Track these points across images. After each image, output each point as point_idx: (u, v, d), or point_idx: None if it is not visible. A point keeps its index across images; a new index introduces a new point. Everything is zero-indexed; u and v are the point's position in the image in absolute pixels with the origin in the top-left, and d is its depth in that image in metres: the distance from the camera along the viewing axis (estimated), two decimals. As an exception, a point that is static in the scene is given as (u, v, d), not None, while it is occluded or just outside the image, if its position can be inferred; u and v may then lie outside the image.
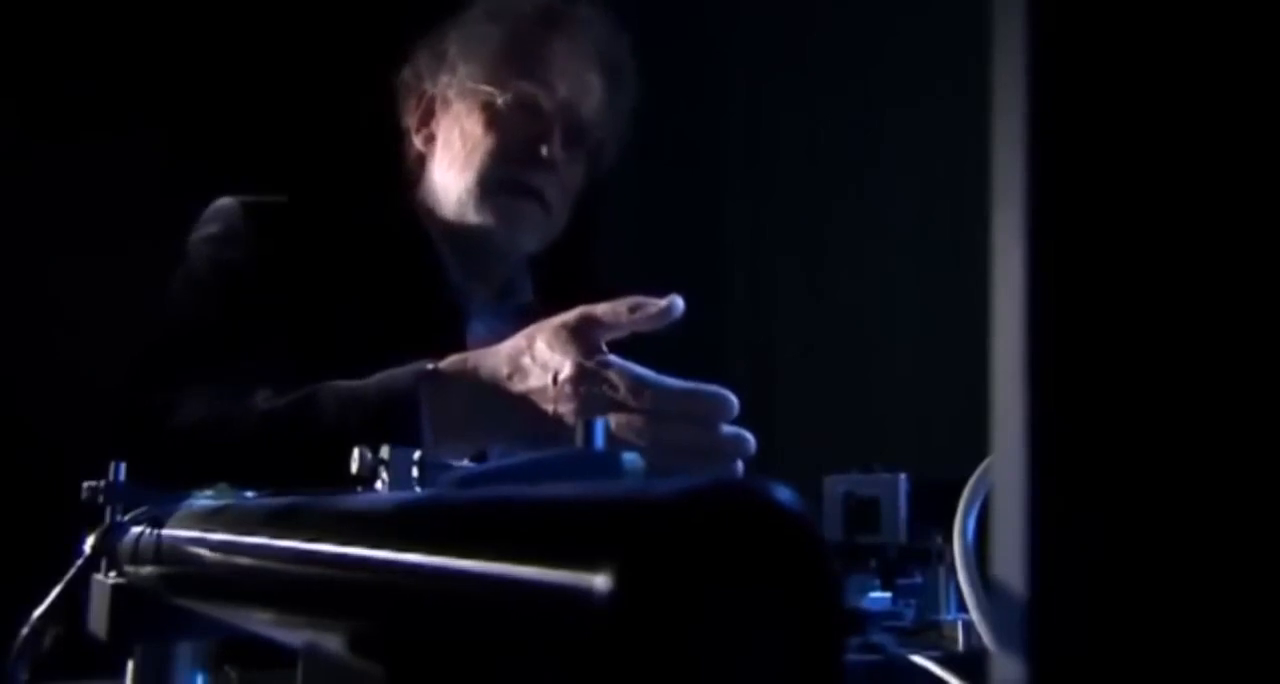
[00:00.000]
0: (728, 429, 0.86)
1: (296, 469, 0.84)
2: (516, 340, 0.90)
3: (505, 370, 0.89)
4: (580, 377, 0.85)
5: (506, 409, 0.88)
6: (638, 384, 0.85)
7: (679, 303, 0.88)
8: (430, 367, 0.91)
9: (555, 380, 0.86)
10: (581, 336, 0.87)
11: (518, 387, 0.88)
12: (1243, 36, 0.24)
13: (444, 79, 1.20)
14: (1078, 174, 0.24)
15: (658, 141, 1.28)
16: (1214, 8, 0.24)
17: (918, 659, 0.57)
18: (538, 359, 0.88)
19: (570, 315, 0.88)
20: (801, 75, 1.85)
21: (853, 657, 0.60)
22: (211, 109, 1.64)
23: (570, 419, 0.85)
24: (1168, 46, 0.24)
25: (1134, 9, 0.24)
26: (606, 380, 0.85)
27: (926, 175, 1.62)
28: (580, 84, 1.17)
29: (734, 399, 0.86)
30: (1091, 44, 0.24)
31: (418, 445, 0.84)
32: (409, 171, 1.24)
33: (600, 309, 0.88)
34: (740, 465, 0.88)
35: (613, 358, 0.87)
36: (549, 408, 0.86)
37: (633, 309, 0.88)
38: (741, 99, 1.95)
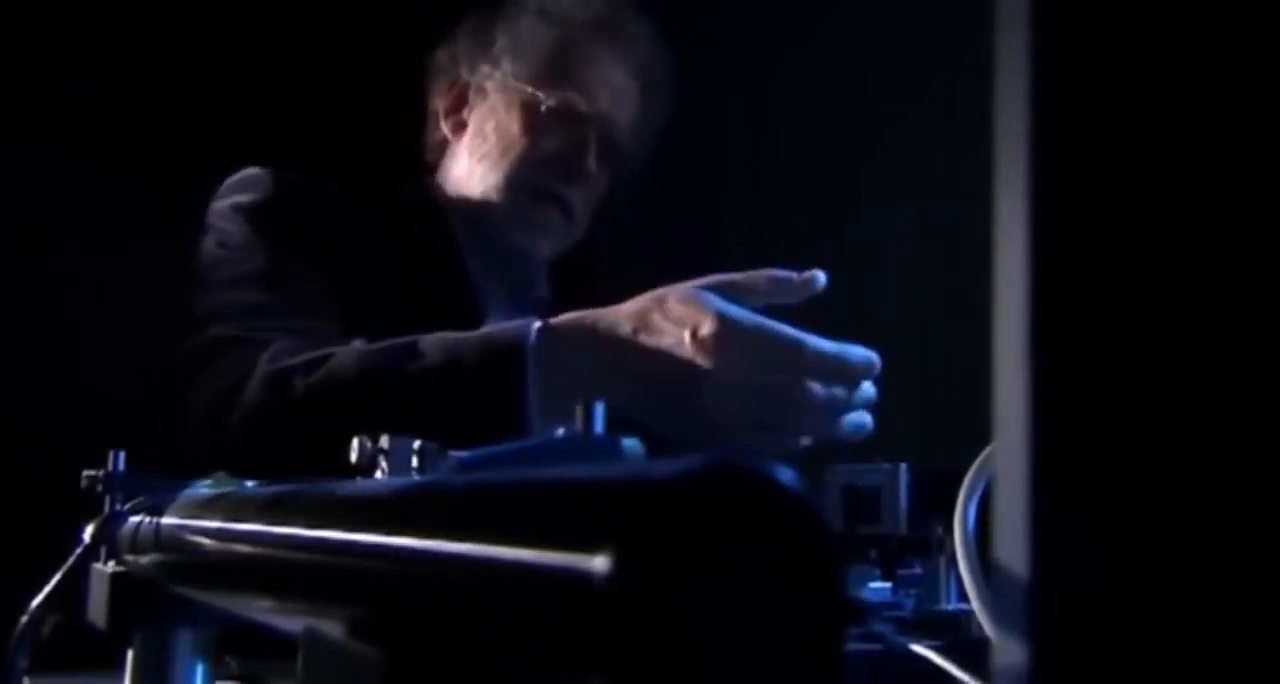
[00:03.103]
0: (866, 385, 0.85)
1: (398, 410, 0.83)
2: (642, 300, 0.86)
3: (630, 327, 0.85)
4: (723, 332, 0.82)
5: (632, 369, 0.84)
6: (787, 342, 0.82)
7: (820, 277, 0.86)
8: (540, 322, 0.87)
9: (694, 336, 0.82)
10: (722, 297, 0.84)
11: (647, 343, 0.84)
12: (1247, 24, 0.24)
13: (484, 69, 1.18)
14: (1080, 161, 0.24)
15: (658, 141, 1.28)
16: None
17: (918, 649, 0.57)
18: (671, 316, 0.84)
19: (706, 280, 0.86)
20: (802, 74, 1.84)
21: (853, 646, 0.60)
22: (218, 96, 1.63)
23: (708, 375, 0.81)
24: (1170, 35, 0.24)
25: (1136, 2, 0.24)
26: (752, 336, 0.82)
27: (926, 165, 1.62)
28: (623, 100, 1.17)
29: (878, 359, 0.85)
30: (1093, 32, 0.24)
31: (520, 407, 0.82)
32: (431, 155, 1.23)
33: (738, 276, 0.85)
34: (869, 417, 0.87)
35: (756, 315, 0.84)
36: (684, 365, 0.82)
37: (771, 280, 0.86)
38: (742, 98, 1.95)
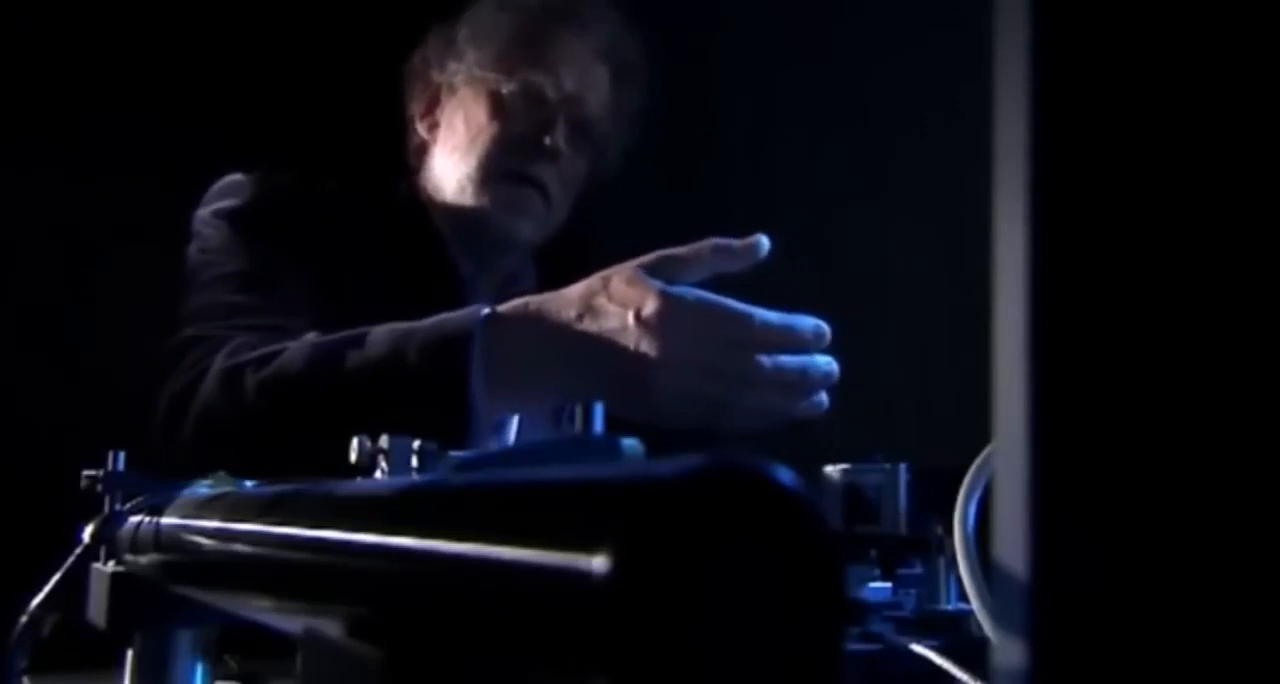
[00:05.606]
0: (819, 358, 0.84)
1: (346, 402, 0.84)
2: (588, 282, 0.85)
3: (574, 311, 0.84)
4: (668, 311, 0.81)
5: (579, 353, 0.83)
6: (732, 315, 0.81)
7: (764, 242, 0.85)
8: (488, 310, 0.86)
9: (638, 317, 0.81)
10: (662, 276, 0.83)
11: (591, 327, 0.83)
12: (1246, 24, 0.24)
13: (452, 66, 1.20)
14: (1080, 162, 0.24)
15: (658, 139, 1.28)
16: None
17: (918, 648, 0.57)
18: (615, 298, 0.82)
19: (649, 257, 0.84)
20: (803, 72, 1.85)
21: (853, 646, 0.60)
22: (210, 97, 1.63)
23: (655, 355, 0.80)
24: (1170, 36, 0.24)
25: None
26: (696, 312, 0.81)
27: (927, 165, 1.62)
28: (588, 78, 1.18)
29: (827, 328, 0.84)
30: (1093, 33, 0.24)
31: (464, 396, 0.82)
32: (412, 159, 1.24)
33: (681, 250, 0.84)
34: (824, 396, 0.86)
35: (700, 291, 0.82)
36: (630, 347, 0.81)
37: (715, 249, 0.84)
38: (743, 97, 1.95)
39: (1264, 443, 0.23)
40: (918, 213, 1.63)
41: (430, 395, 0.83)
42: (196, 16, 1.65)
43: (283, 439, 0.86)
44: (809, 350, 0.84)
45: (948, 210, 1.54)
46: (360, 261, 1.11)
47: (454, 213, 1.18)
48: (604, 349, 0.82)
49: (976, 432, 0.38)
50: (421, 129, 1.24)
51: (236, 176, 1.14)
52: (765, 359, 0.82)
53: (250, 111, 1.63)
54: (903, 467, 0.74)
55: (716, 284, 0.86)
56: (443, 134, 1.20)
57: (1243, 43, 0.24)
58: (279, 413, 0.87)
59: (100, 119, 1.56)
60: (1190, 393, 0.23)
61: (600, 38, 1.19)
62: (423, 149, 1.23)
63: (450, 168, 1.18)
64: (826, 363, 0.84)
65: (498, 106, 1.15)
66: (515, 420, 1.01)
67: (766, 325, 0.82)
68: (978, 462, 0.54)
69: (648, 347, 0.81)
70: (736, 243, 0.85)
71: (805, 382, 0.84)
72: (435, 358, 0.84)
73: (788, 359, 0.83)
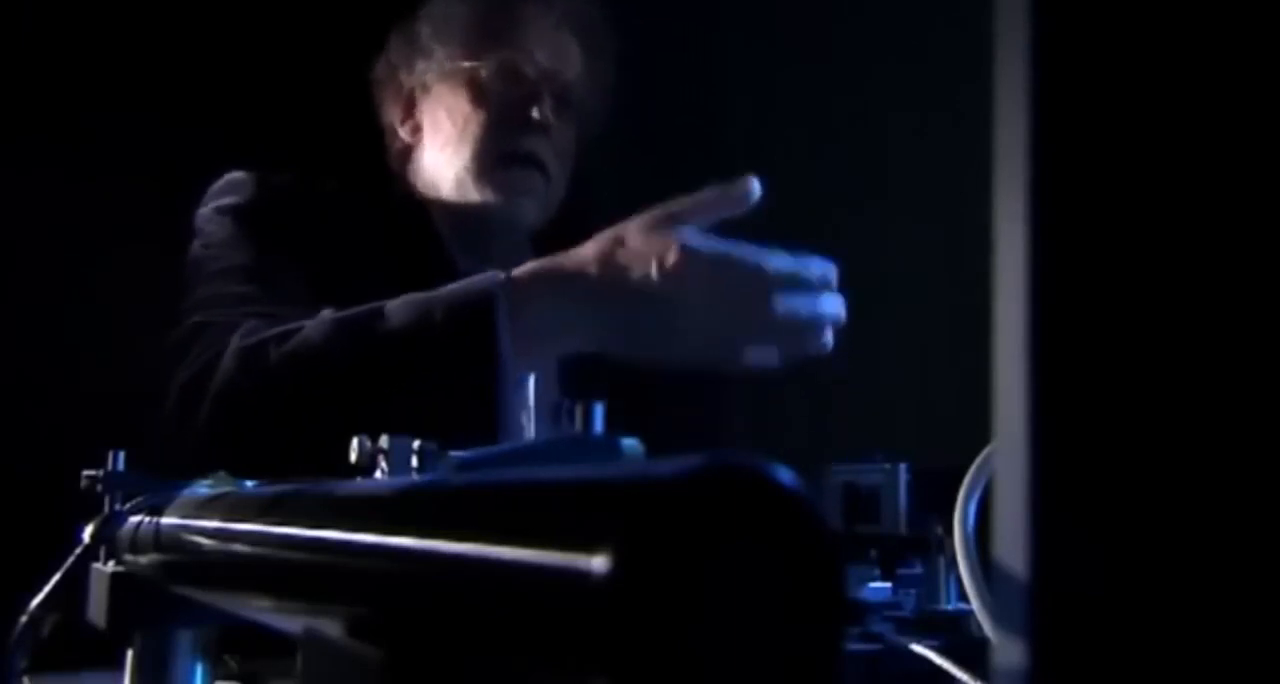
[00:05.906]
0: (828, 298, 0.89)
1: (375, 368, 0.86)
2: (601, 241, 0.89)
3: (594, 268, 0.88)
4: (688, 259, 0.85)
5: (605, 305, 0.88)
6: (749, 259, 0.86)
7: (755, 185, 0.89)
8: (504, 275, 0.90)
9: (661, 266, 0.86)
10: (674, 226, 0.88)
11: (617, 279, 0.87)
12: (1247, 24, 0.24)
13: (420, 66, 1.20)
14: (1080, 161, 0.24)
15: (658, 139, 1.28)
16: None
17: (918, 648, 0.57)
18: (632, 250, 0.87)
19: (655, 211, 0.89)
20: (804, 64, 1.85)
21: (853, 646, 0.60)
22: (210, 97, 1.63)
23: (679, 302, 0.85)
24: (1170, 37, 0.24)
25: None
26: (717, 258, 0.86)
27: (927, 165, 1.62)
28: (559, 49, 1.18)
29: (834, 269, 0.90)
30: (1093, 33, 0.24)
31: (493, 358, 0.85)
32: (397, 165, 1.24)
33: (683, 201, 0.89)
34: (830, 336, 0.90)
35: (716, 239, 0.87)
36: (655, 296, 0.86)
37: (714, 197, 0.89)
38: (743, 97, 1.95)
39: (1263, 443, 0.23)
40: (918, 213, 1.63)
41: (460, 356, 0.86)
42: (196, 17, 1.65)
43: (311, 413, 0.87)
44: (819, 289, 0.89)
45: (948, 210, 1.54)
46: (359, 261, 1.11)
47: (454, 209, 1.17)
48: (631, 301, 0.87)
49: (976, 432, 0.38)
50: (404, 133, 1.23)
51: (237, 174, 1.14)
52: (779, 301, 0.87)
53: (250, 111, 1.63)
54: (903, 467, 0.74)
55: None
56: (427, 134, 1.20)
57: (1243, 43, 0.24)
58: (305, 386, 0.88)
59: (100, 119, 1.56)
60: (1190, 393, 0.23)
61: (563, 10, 1.20)
62: (407, 153, 1.23)
63: (444, 163, 1.17)
64: (835, 303, 0.90)
65: (479, 92, 1.15)
66: (532, 380, 1.02)
67: (780, 266, 0.87)
68: (978, 462, 0.54)
69: (675, 293, 0.86)
70: (732, 189, 0.89)
71: (816, 322, 0.89)
72: (462, 319, 0.87)
73: (799, 301, 0.88)
